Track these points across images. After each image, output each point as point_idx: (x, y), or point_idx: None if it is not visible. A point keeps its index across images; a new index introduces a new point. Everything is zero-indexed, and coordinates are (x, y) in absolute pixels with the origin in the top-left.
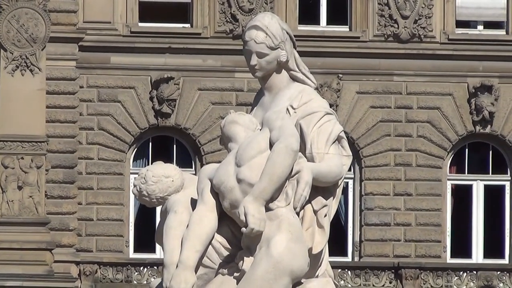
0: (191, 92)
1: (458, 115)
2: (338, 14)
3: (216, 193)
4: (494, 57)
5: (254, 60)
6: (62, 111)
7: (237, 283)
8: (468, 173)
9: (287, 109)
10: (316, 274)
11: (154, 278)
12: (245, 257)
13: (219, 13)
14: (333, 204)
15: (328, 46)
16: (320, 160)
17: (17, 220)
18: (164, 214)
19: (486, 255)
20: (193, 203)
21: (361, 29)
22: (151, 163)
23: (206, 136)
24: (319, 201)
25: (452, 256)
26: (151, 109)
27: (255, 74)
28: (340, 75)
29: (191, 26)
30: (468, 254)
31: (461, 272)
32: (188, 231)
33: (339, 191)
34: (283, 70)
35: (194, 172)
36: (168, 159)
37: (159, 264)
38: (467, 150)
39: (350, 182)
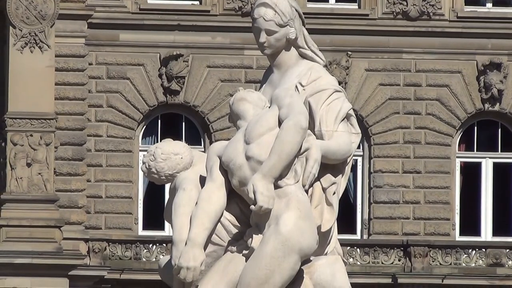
0: (200, 70)
1: (467, 92)
2: None
3: (225, 170)
4: (503, 34)
5: (263, 37)
6: (71, 88)
7: (246, 261)
8: (477, 151)
9: (296, 86)
10: (325, 252)
11: (163, 255)
12: (254, 235)
13: None
14: (342, 182)
15: (337, 24)
16: (329, 137)
17: (26, 197)
18: (173, 191)
19: (495, 233)
20: (202, 180)
21: (370, 6)
22: (160, 141)
23: (215, 114)
24: (328, 178)
25: (461, 234)
26: (160, 86)
27: (264, 51)
28: (349, 53)
29: (200, 3)
30: (477, 232)
31: (470, 250)
32: (197, 209)
33: (348, 168)
34: (292, 47)
35: (203, 150)
36: (177, 137)
37: (168, 242)
38: (476, 128)
39: (359, 159)
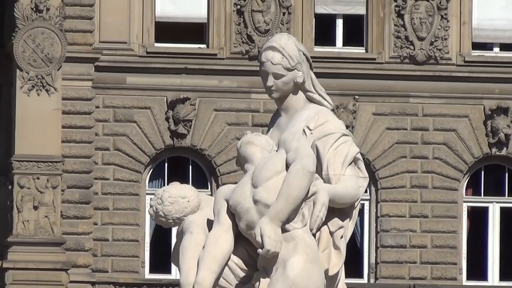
0: (207, 113)
1: (474, 137)
2: (354, 36)
3: (233, 214)
4: (510, 79)
5: (271, 81)
6: (78, 131)
7: None
8: (484, 196)
9: (304, 130)
10: None
11: None
12: (261, 278)
13: (235, 34)
14: (349, 226)
15: (344, 68)
16: (336, 181)
17: (33, 240)
18: (180, 235)
19: (502, 277)
20: (210, 224)
21: (377, 50)
22: (167, 184)
23: (222, 157)
24: (335, 222)
25: (468, 278)
26: (167, 130)
27: (272, 95)
28: (356, 97)
29: (207, 46)
30: (484, 277)
31: None
32: (204, 252)
33: (355, 212)
34: (300, 91)
35: (210, 193)
36: (184, 180)
37: (175, 285)
38: (483, 172)
39: (366, 203)
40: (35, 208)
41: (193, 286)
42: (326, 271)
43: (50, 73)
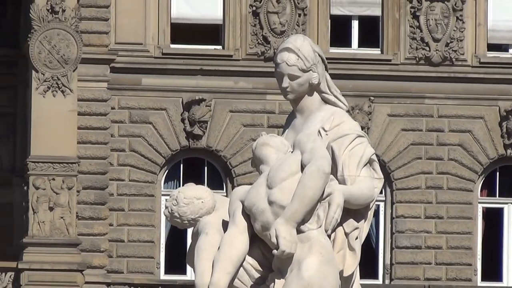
0: (223, 114)
1: (489, 138)
2: (370, 37)
3: (248, 215)
4: None
5: (286, 82)
6: (93, 132)
7: None
8: (499, 196)
9: (319, 131)
10: None
11: None
12: (276, 279)
13: (250, 35)
14: (364, 227)
15: (360, 69)
16: (351, 182)
17: (48, 241)
18: (196, 236)
19: None
20: (225, 225)
21: (393, 52)
22: (183, 185)
23: (237, 158)
24: (350, 223)
25: (483, 279)
26: (183, 131)
27: (287, 96)
28: (372, 98)
29: (223, 48)
30: (499, 278)
31: None
32: (219, 253)
33: (370, 213)
34: (315, 92)
35: (225, 194)
36: (199, 181)
37: (190, 286)
38: (498, 173)
39: (382, 204)
40: (51, 209)
41: (208, 287)
42: (341, 272)
43: (66, 75)
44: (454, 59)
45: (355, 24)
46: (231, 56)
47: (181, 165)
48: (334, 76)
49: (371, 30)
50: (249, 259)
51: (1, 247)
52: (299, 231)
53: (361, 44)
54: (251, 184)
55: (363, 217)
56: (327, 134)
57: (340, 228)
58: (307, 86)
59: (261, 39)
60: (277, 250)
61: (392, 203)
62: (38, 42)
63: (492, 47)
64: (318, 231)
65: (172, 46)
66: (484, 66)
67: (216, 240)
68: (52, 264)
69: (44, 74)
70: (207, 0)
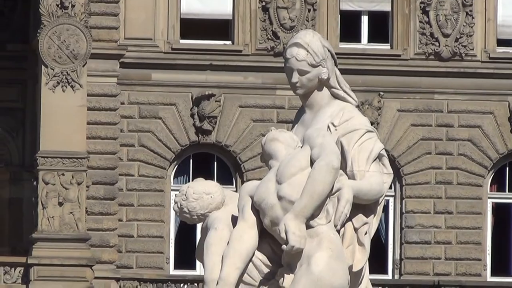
0: (232, 109)
1: (498, 133)
2: (379, 32)
3: (257, 210)
4: None
5: (296, 77)
6: (103, 127)
7: None
8: (508, 192)
9: (328, 126)
10: None
11: None
12: (285, 274)
13: (260, 30)
14: (373, 222)
15: (369, 64)
16: (361, 178)
17: (58, 236)
18: (205, 231)
19: None
20: (234, 220)
21: (402, 47)
22: (192, 180)
23: (247, 153)
24: (359, 218)
25: (492, 274)
26: (192, 126)
27: (296, 91)
28: (381, 93)
29: (232, 43)
30: (509, 273)
31: None
32: (229, 248)
33: (379, 208)
34: (324, 87)
35: (234, 189)
36: (208, 176)
37: (199, 281)
38: (507, 168)
39: (391, 200)
40: (60, 204)
41: (218, 282)
42: (350, 267)
43: (75, 70)
44: (463, 54)
45: (364, 20)
46: (240, 51)
47: (191, 160)
48: (343, 71)
49: (381, 25)
50: (258, 254)
51: (10, 242)
52: (308, 226)
53: (371, 39)
54: (260, 179)
55: (372, 212)
56: (336, 129)
57: (349, 223)
58: (316, 81)
59: (271, 35)
60: (286, 245)
61: (402, 198)
62: (47, 37)
63: (501, 42)
64: (328, 226)
65: (182, 41)
66: (493, 61)
67: (225, 235)
68: (61, 259)
69: (53, 69)
70: None
